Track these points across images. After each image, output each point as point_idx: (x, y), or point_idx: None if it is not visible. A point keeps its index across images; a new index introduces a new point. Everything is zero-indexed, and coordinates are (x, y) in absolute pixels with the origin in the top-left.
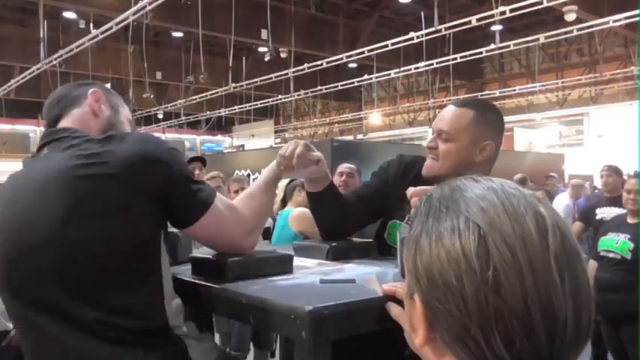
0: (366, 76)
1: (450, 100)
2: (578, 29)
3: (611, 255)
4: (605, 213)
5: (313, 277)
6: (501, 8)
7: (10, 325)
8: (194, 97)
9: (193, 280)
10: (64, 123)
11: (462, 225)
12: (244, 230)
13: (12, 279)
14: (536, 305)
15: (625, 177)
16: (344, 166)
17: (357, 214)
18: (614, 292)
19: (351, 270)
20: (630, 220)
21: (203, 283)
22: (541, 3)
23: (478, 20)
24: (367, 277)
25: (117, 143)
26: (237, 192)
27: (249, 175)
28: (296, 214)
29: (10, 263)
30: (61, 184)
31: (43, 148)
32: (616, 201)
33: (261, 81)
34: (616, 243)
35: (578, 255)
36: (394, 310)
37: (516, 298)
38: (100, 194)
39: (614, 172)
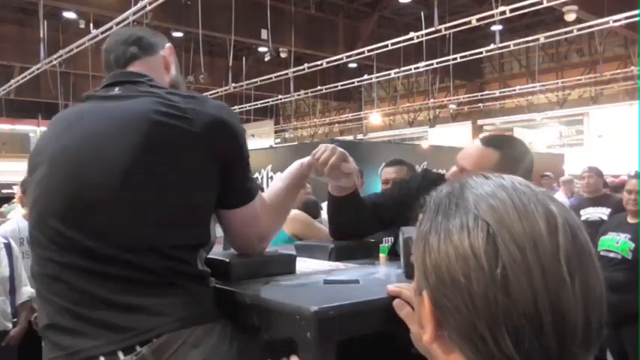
0: (366, 76)
1: (450, 100)
2: (578, 29)
3: (611, 255)
4: (588, 214)
5: (317, 278)
6: (501, 8)
7: (10, 325)
8: None
9: None
10: (137, 67)
11: (471, 223)
12: (265, 234)
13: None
14: (546, 306)
15: (625, 177)
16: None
17: (370, 221)
18: (614, 292)
19: (355, 270)
20: (630, 219)
21: None
22: (541, 3)
23: (478, 20)
24: (371, 278)
25: (200, 103)
26: None
27: None
28: (289, 216)
29: (71, 196)
30: (142, 125)
31: (112, 86)
32: (598, 201)
33: (261, 81)
34: (616, 243)
35: (590, 254)
36: (402, 309)
37: (525, 298)
38: (177, 146)
39: (595, 173)
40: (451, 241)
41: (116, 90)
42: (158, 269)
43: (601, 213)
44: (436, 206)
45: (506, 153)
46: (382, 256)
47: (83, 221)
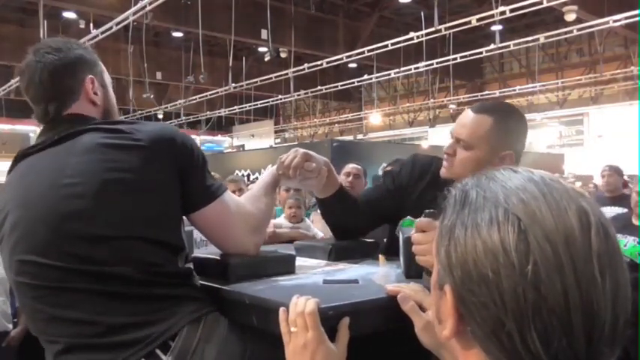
0: (366, 76)
1: (450, 100)
2: (578, 29)
3: None
4: (606, 213)
5: (316, 278)
6: (501, 8)
7: (10, 326)
8: (194, 97)
9: None
10: (66, 112)
11: (501, 217)
12: (250, 228)
13: (51, 241)
14: (577, 304)
15: (626, 177)
16: (350, 167)
17: (366, 217)
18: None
19: (354, 270)
20: (635, 221)
21: (205, 283)
22: (541, 3)
23: (478, 20)
24: (370, 278)
25: (142, 125)
26: (233, 192)
27: (249, 176)
28: None
29: (49, 227)
30: (94, 151)
31: (47, 135)
32: (617, 200)
33: (261, 81)
34: (624, 245)
35: (619, 254)
36: (406, 303)
37: (556, 295)
38: (133, 159)
39: (615, 171)
40: (479, 235)
41: (54, 137)
42: (149, 278)
43: (615, 213)
44: (462, 198)
45: (499, 116)
46: (381, 256)
47: (70, 250)
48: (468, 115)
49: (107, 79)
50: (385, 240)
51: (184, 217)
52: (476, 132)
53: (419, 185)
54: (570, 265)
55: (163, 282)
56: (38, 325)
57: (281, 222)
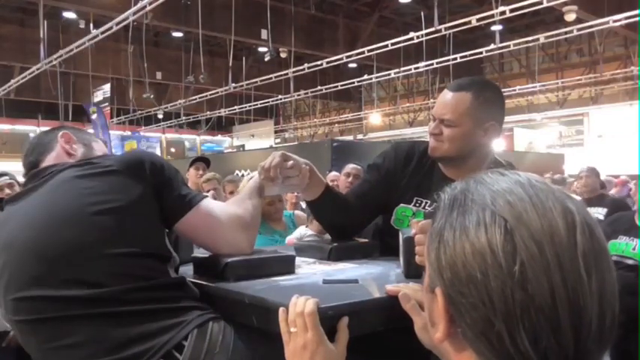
0: (366, 76)
1: None
2: (578, 29)
3: (630, 262)
4: None
5: (316, 278)
6: (501, 8)
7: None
8: (194, 97)
9: (195, 280)
10: (45, 163)
11: (488, 219)
12: (238, 226)
13: (44, 272)
14: (564, 302)
15: (625, 177)
16: (350, 167)
17: (359, 213)
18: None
19: (354, 270)
20: (638, 221)
21: (205, 283)
22: (541, 3)
23: (478, 20)
24: (370, 278)
25: (111, 155)
26: (232, 193)
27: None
28: None
29: (38, 258)
30: (69, 182)
31: (30, 185)
32: (594, 201)
33: (261, 81)
34: (633, 249)
35: (606, 252)
36: (407, 302)
37: (543, 294)
38: (102, 184)
39: (592, 173)
40: (467, 237)
41: (34, 184)
42: (143, 292)
43: (597, 213)
44: (450, 202)
45: (476, 90)
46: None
47: (62, 277)
48: (447, 94)
49: (98, 145)
50: (373, 232)
51: None
52: (457, 110)
53: (406, 170)
54: (556, 264)
55: (157, 296)
56: (42, 356)
57: (305, 232)
